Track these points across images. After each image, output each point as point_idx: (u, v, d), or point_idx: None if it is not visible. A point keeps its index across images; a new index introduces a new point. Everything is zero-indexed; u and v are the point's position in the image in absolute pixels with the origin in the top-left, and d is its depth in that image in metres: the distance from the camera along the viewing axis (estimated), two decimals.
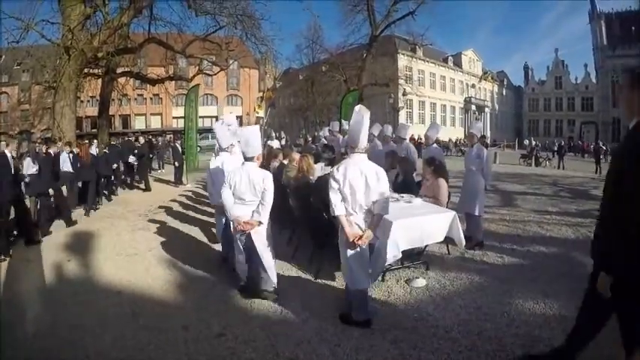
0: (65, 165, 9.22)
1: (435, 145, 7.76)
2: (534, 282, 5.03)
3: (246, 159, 4.57)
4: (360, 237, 3.75)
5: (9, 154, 6.80)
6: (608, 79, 55.00)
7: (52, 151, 9.03)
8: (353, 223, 3.82)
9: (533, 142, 30.84)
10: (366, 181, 3.76)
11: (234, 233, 4.56)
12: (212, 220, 8.18)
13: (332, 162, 7.42)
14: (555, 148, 28.16)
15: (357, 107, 4.01)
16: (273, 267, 4.57)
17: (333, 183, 3.82)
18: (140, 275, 5.47)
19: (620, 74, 2.76)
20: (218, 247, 6.35)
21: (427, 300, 4.49)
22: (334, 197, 3.83)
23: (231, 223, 4.61)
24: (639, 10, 43.20)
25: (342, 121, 13.34)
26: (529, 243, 6.76)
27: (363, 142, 3.90)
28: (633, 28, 51.17)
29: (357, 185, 3.77)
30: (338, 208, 3.81)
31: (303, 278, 5.16)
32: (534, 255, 6.17)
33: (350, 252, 3.87)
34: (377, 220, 3.85)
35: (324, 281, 5.04)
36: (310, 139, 17.63)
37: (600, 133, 53.15)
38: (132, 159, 13.94)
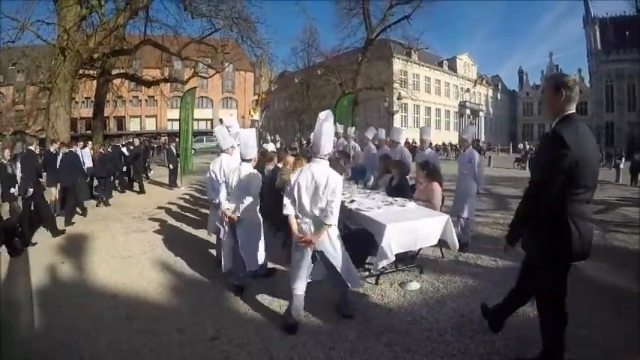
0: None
1: (429, 149, 7.79)
2: None
3: (244, 160, 4.85)
4: (303, 239, 3.82)
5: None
6: (603, 83, 55.46)
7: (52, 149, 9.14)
8: (299, 224, 3.90)
9: (527, 146, 30.96)
10: (315, 188, 3.76)
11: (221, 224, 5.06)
12: (203, 226, 8.15)
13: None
14: None
15: (322, 113, 4.00)
16: (254, 252, 4.86)
17: (287, 185, 3.99)
18: (135, 278, 5.45)
19: (547, 80, 3.24)
20: (213, 250, 6.40)
21: (421, 303, 4.50)
22: (285, 198, 3.96)
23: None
24: (633, 16, 43.53)
25: (338, 124, 13.36)
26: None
27: (325, 147, 3.88)
28: (627, 33, 51.63)
29: (303, 190, 3.81)
30: (287, 208, 3.93)
31: None
32: None
33: (293, 252, 4.01)
34: (319, 228, 3.81)
35: (318, 283, 5.03)
36: (305, 142, 17.66)
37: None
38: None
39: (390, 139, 9.09)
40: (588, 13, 58.24)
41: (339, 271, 3.99)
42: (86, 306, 4.60)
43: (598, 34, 56.58)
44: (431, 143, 8.28)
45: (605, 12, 57.66)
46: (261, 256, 4.97)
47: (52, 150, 9.71)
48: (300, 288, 4.01)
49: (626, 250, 6.71)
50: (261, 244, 4.99)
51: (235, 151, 5.76)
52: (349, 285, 4.13)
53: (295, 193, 3.87)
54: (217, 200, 5.14)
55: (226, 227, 4.94)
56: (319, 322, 4.14)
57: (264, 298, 4.71)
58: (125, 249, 6.87)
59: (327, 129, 3.89)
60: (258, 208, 4.95)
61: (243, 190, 4.71)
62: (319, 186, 3.73)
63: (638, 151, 20.54)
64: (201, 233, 7.75)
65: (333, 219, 3.74)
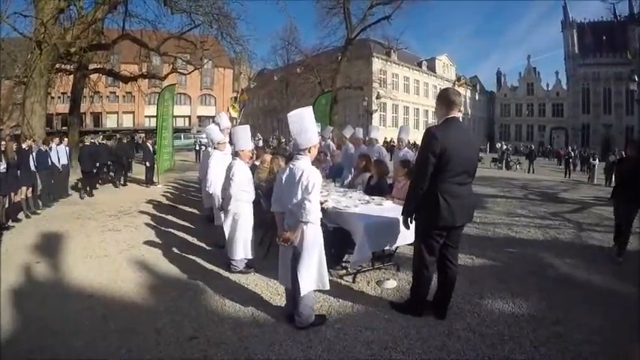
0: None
1: (406, 148, 7.85)
2: (504, 282, 5.15)
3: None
4: (282, 237, 3.87)
5: None
6: (579, 86, 56.67)
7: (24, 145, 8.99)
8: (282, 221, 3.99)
9: (504, 146, 31.43)
10: (292, 183, 3.77)
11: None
12: (183, 222, 8.46)
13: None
14: (526, 152, 28.86)
15: (298, 110, 3.98)
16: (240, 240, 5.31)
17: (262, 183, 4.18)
18: (111, 278, 5.34)
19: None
20: (190, 249, 6.56)
21: (398, 301, 4.52)
22: (273, 194, 4.07)
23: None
24: (611, 21, 44.48)
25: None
26: (499, 245, 6.95)
27: (303, 143, 3.83)
28: (604, 37, 52.80)
29: (283, 185, 3.89)
30: (273, 205, 4.06)
31: (274, 280, 5.10)
32: (504, 256, 6.33)
33: (280, 248, 4.08)
34: (296, 224, 3.78)
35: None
36: (284, 140, 17.61)
37: (570, 138, 54.63)
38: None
39: (367, 138, 9.12)
40: (567, 18, 59.33)
41: (298, 272, 3.80)
42: (62, 306, 4.49)
43: (576, 38, 57.72)
44: (408, 142, 8.33)
45: (584, 17, 58.83)
46: (243, 250, 5.32)
47: (24, 147, 9.48)
48: (284, 280, 4.10)
49: (600, 248, 6.85)
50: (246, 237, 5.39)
51: (227, 147, 5.93)
52: (321, 286, 3.98)
53: (278, 188, 3.97)
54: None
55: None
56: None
57: (242, 298, 4.67)
58: (101, 248, 6.73)
59: (305, 124, 3.85)
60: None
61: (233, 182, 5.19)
62: (295, 181, 3.73)
63: (612, 152, 21.01)
64: (179, 231, 7.72)
65: (307, 216, 3.66)
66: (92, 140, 14.14)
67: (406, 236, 4.92)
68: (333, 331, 3.88)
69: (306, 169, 3.73)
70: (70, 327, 4.02)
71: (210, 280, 5.25)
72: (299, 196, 3.69)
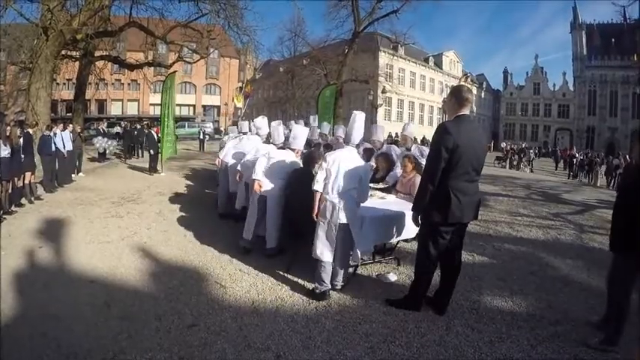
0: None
1: (414, 146, 7.78)
2: (503, 280, 5.18)
3: (290, 149, 5.79)
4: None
5: None
6: (586, 87, 56.33)
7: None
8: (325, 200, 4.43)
9: (509, 146, 31.38)
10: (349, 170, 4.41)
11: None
12: (183, 213, 8.39)
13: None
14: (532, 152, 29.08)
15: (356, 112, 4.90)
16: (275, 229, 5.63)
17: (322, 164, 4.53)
18: (113, 264, 5.38)
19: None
20: (190, 236, 6.69)
21: (398, 295, 4.49)
22: (319, 175, 4.49)
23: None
24: (620, 23, 44.15)
25: (312, 117, 13.13)
26: (500, 242, 6.93)
27: (355, 138, 4.78)
28: (613, 40, 52.45)
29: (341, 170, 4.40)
30: (318, 184, 4.45)
31: (276, 270, 5.17)
32: (504, 254, 6.33)
33: (318, 225, 4.49)
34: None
35: (296, 273, 5.08)
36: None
37: (575, 140, 54.38)
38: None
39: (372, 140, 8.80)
40: (576, 19, 58.93)
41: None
42: (64, 292, 4.52)
43: (584, 40, 57.36)
44: (415, 139, 8.21)
45: (593, 18, 58.45)
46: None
47: (30, 132, 9.50)
48: (327, 256, 4.40)
49: (601, 251, 6.82)
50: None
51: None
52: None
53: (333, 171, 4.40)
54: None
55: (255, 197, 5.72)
56: (296, 311, 4.17)
57: (243, 286, 4.72)
58: (104, 234, 6.75)
59: (357, 123, 4.75)
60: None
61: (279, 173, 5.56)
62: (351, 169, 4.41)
63: (615, 155, 20.93)
64: (181, 220, 7.75)
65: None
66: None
67: (408, 230, 4.95)
68: (332, 322, 3.91)
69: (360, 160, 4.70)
70: (71, 312, 4.04)
71: (212, 268, 5.30)
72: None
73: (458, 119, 3.81)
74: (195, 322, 3.87)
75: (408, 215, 4.95)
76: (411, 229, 4.97)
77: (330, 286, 4.46)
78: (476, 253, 6.20)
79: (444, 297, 4.20)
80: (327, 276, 4.40)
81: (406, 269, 5.36)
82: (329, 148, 8.09)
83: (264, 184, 5.54)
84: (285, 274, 5.09)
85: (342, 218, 4.32)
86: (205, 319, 3.93)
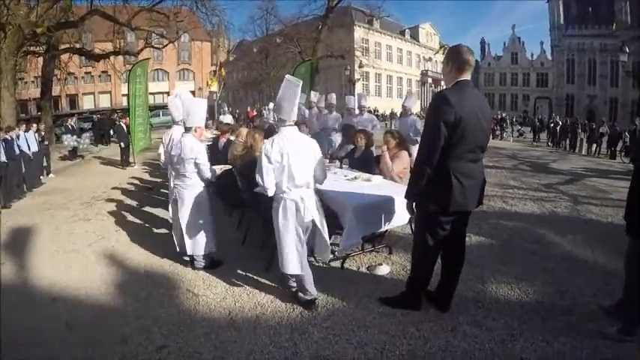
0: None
1: (413, 115, 8.03)
2: (505, 264, 4.75)
3: (186, 129, 4.55)
4: None
5: None
6: (564, 56, 56.76)
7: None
8: (282, 198, 3.62)
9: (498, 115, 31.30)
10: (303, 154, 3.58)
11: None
12: (154, 210, 7.65)
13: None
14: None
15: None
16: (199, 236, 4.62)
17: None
18: (77, 276, 4.77)
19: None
20: (164, 236, 5.95)
21: (393, 291, 3.95)
22: (265, 175, 3.57)
23: None
24: None
25: (313, 93, 12.66)
26: (495, 219, 6.56)
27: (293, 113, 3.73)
28: (590, 8, 52.73)
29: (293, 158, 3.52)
30: (269, 188, 3.62)
31: (253, 270, 4.60)
32: (501, 232, 5.93)
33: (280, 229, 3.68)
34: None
35: (277, 272, 4.44)
36: (264, 112, 16.93)
37: (554, 108, 54.91)
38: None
39: (358, 106, 8.88)
40: None
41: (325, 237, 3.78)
42: (24, 314, 3.92)
43: (561, 9, 57.46)
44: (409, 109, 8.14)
45: None
46: (207, 244, 4.63)
47: None
48: (299, 268, 3.69)
49: (599, 223, 6.50)
50: (208, 228, 4.65)
51: None
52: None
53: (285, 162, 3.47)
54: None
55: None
56: (278, 320, 3.63)
57: (217, 293, 4.19)
58: (69, 241, 6.12)
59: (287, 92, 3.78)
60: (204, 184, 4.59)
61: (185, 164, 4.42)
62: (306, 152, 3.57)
63: (602, 123, 21.07)
64: (155, 218, 7.15)
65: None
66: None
67: (400, 216, 4.41)
68: (320, 331, 3.39)
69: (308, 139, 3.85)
70: (30, 339, 3.51)
71: (184, 272, 4.73)
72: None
73: (458, 86, 3.14)
74: (165, 343, 3.33)
75: (398, 200, 4.41)
76: (402, 216, 4.42)
77: (316, 295, 3.82)
78: (472, 233, 5.66)
79: (447, 291, 3.64)
80: (310, 284, 3.75)
81: (399, 258, 4.88)
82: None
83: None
84: (265, 276, 4.50)
85: (309, 215, 3.62)
86: (176, 338, 3.39)
